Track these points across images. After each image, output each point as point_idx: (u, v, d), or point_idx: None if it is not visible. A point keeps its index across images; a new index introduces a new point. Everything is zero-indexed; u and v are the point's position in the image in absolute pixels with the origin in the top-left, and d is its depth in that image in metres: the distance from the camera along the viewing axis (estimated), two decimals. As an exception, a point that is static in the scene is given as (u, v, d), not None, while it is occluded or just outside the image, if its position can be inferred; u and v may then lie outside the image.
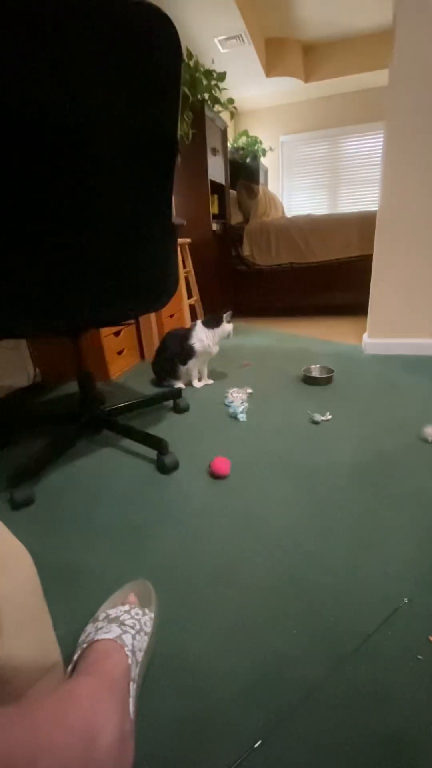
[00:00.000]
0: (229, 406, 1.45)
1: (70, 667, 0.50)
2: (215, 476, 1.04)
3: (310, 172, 4.59)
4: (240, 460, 1.10)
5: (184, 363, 1.65)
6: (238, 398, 1.50)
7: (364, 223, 2.78)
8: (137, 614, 0.58)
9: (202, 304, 2.91)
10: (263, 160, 4.11)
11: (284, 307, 3.24)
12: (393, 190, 1.78)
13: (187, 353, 1.62)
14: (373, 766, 0.47)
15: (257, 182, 3.63)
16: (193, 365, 1.66)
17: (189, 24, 2.66)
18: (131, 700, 0.47)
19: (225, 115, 3.07)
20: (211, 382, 1.75)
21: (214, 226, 2.85)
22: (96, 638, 0.52)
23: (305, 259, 3.03)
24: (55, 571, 0.76)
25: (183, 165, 2.59)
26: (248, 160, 3.80)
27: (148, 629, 0.59)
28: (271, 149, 4.21)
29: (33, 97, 0.68)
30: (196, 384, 1.71)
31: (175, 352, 1.65)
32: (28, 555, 0.46)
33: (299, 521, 0.87)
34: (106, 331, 1.78)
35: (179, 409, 1.46)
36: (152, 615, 0.62)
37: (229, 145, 3.41)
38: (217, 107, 2.73)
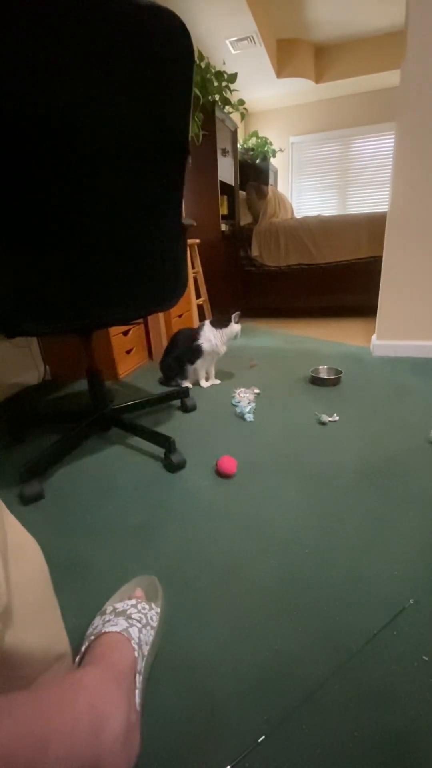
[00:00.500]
0: (236, 406, 1.45)
1: (78, 659, 0.51)
2: (222, 475, 1.05)
3: (319, 173, 4.57)
4: (246, 459, 1.11)
5: (192, 362, 1.66)
6: (245, 398, 1.50)
7: (374, 225, 2.76)
8: (144, 608, 0.59)
9: (211, 305, 2.92)
10: (273, 160, 4.10)
11: (292, 308, 3.23)
12: (403, 191, 1.77)
13: (196, 353, 1.63)
14: (376, 765, 0.47)
15: (267, 183, 3.63)
16: (200, 365, 1.67)
17: (200, 25, 2.68)
18: (137, 692, 0.48)
19: (235, 116, 3.07)
20: (218, 382, 1.75)
21: (224, 227, 2.86)
22: (103, 631, 0.53)
23: (314, 261, 3.02)
24: (64, 565, 0.78)
25: (193, 166, 2.60)
26: (258, 161, 3.80)
27: (155, 623, 0.59)
28: (281, 150, 4.20)
29: (50, 99, 0.69)
30: (204, 384, 1.72)
31: (183, 351, 1.66)
32: (38, 547, 0.47)
33: (305, 521, 0.87)
34: (114, 331, 1.80)
35: (187, 409, 1.46)
36: (158, 610, 0.63)
37: (239, 145, 3.41)
38: (227, 108, 2.74)
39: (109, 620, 0.55)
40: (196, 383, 1.73)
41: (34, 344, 1.83)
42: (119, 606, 0.59)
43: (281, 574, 0.74)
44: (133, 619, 0.56)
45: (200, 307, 2.76)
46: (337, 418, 1.33)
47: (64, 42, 0.66)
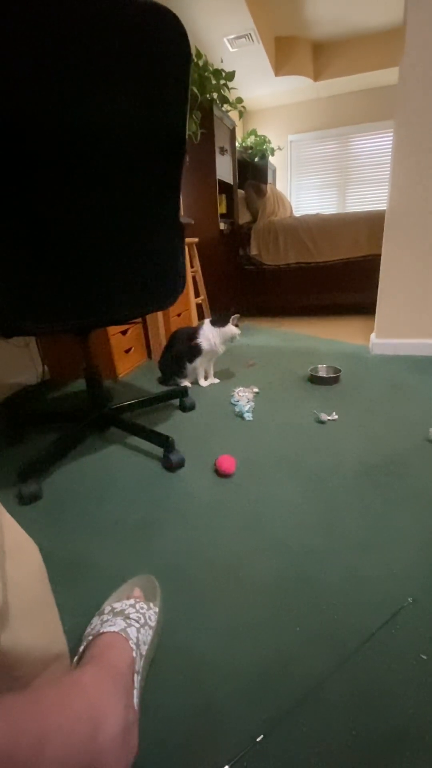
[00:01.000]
0: (235, 405, 1.45)
1: (76, 659, 0.51)
2: (221, 474, 1.04)
3: (318, 171, 4.57)
4: (245, 458, 1.11)
5: (191, 361, 1.66)
6: (244, 397, 1.50)
7: (373, 223, 2.76)
8: (142, 608, 0.59)
9: (209, 304, 2.91)
10: (272, 159, 4.10)
11: (291, 307, 3.23)
12: (402, 189, 1.77)
13: (195, 351, 1.63)
14: (375, 763, 0.47)
15: (265, 181, 3.62)
16: (200, 364, 1.66)
17: (198, 23, 2.67)
18: (135, 692, 0.48)
19: (234, 114, 3.06)
20: (217, 381, 1.75)
21: (222, 226, 2.85)
22: (101, 631, 0.53)
23: (313, 259, 3.02)
24: (62, 565, 0.78)
25: (191, 164, 2.60)
26: (256, 160, 3.79)
27: (153, 623, 0.59)
28: (279, 148, 4.20)
29: (47, 98, 0.69)
30: (203, 383, 1.72)
31: (182, 350, 1.65)
32: (35, 547, 0.47)
33: (304, 520, 0.87)
34: (113, 330, 1.80)
35: (185, 408, 1.46)
36: (157, 609, 0.62)
37: (237, 144, 3.40)
38: (225, 106, 2.73)
39: (107, 620, 0.55)
40: (195, 382, 1.73)
41: (33, 344, 1.83)
42: (117, 606, 0.59)
43: (280, 573, 0.74)
44: (131, 618, 0.56)
45: (199, 306, 2.76)
46: (336, 416, 1.33)
47: (62, 40, 0.66)
